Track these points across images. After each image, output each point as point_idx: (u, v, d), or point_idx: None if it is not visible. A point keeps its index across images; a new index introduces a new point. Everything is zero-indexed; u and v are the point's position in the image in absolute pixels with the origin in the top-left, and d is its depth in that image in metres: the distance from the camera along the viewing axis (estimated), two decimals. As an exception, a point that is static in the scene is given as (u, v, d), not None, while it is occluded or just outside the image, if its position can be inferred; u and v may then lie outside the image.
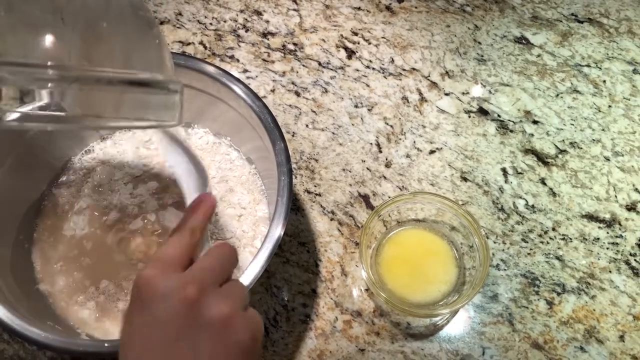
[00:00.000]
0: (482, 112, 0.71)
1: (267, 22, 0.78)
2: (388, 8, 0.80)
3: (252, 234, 0.58)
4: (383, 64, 0.75)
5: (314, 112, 0.71)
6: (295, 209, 0.64)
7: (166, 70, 0.35)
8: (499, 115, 0.71)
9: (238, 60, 0.75)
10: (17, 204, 0.57)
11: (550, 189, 0.66)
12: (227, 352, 0.33)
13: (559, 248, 0.62)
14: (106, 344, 0.45)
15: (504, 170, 0.67)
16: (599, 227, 0.64)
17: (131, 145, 0.63)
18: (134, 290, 0.34)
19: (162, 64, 0.35)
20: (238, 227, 0.59)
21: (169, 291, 0.33)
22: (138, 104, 0.33)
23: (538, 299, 0.60)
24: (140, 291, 0.33)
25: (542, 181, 0.66)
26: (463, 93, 0.72)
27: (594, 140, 0.69)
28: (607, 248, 0.62)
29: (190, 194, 0.40)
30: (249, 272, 0.47)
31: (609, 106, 0.72)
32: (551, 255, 0.62)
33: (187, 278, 0.34)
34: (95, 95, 0.30)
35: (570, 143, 0.69)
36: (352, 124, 0.70)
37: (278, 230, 0.49)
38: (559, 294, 0.60)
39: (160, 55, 0.35)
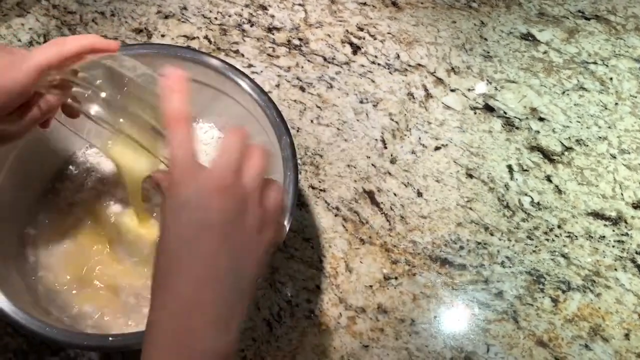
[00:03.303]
0: (488, 108, 0.71)
1: (273, 16, 0.78)
2: (394, 3, 0.79)
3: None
4: (388, 60, 0.74)
5: (319, 107, 0.71)
6: (299, 205, 0.64)
7: None
8: (504, 112, 0.70)
9: (243, 55, 0.75)
10: (22, 197, 0.57)
11: (556, 186, 0.66)
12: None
13: (564, 246, 0.62)
14: (110, 338, 0.45)
15: (509, 167, 0.67)
16: (605, 225, 0.63)
17: (135, 139, 0.63)
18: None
19: None
20: (242, 222, 0.58)
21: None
22: None
23: (543, 297, 0.59)
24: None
25: (548, 178, 0.66)
26: (469, 89, 0.72)
27: (600, 137, 0.69)
28: (613, 246, 0.62)
29: None
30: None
31: (616, 103, 0.71)
32: (556, 253, 0.62)
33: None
34: None
35: (577, 140, 0.69)
36: (357, 120, 0.70)
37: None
38: (564, 291, 0.60)
39: None
